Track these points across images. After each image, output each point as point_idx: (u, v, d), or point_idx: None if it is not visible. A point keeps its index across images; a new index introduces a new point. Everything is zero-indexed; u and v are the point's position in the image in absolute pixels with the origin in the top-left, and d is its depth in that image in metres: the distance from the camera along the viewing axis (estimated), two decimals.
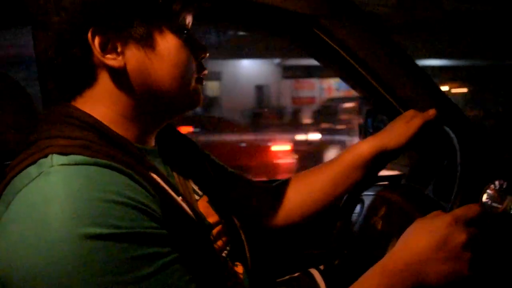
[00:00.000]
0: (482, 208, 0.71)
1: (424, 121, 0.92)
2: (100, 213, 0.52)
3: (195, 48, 0.72)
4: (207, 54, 0.75)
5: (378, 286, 0.66)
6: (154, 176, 0.65)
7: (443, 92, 1.05)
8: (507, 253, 0.89)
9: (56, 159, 0.56)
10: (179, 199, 0.66)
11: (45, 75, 0.69)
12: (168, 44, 0.67)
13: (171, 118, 0.76)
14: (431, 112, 0.93)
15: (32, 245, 0.51)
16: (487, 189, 0.91)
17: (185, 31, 0.70)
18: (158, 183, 0.64)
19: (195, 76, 0.73)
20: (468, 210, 0.69)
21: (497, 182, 0.91)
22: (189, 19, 0.71)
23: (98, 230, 0.51)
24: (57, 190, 0.53)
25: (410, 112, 0.95)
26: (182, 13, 0.69)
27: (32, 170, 0.56)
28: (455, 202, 0.80)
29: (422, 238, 0.67)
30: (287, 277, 1.01)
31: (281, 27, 1.08)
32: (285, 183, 1.01)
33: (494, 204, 0.90)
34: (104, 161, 0.58)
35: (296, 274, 1.01)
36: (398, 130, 0.92)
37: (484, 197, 0.91)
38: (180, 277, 0.58)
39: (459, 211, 0.69)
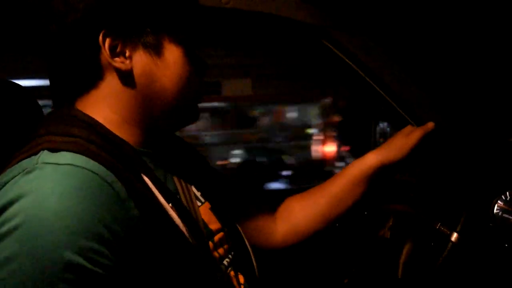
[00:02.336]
0: None
1: (423, 134, 0.94)
2: (45, 229, 0.52)
3: (198, 64, 0.74)
4: (207, 70, 0.76)
5: None
6: (146, 179, 0.65)
7: (452, 104, 1.06)
8: None
9: (43, 157, 0.58)
10: (168, 205, 0.65)
11: (55, 77, 0.69)
12: (174, 54, 0.69)
13: (169, 128, 0.77)
14: (430, 125, 0.95)
15: None
16: (498, 200, 0.92)
17: (192, 46, 0.71)
18: (147, 187, 0.64)
19: (196, 90, 0.74)
20: None
21: (507, 193, 0.92)
22: (197, 35, 0.73)
23: (35, 242, 0.52)
24: (28, 189, 0.54)
25: (409, 127, 0.98)
26: (193, 26, 0.71)
27: (23, 164, 0.58)
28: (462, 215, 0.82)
29: None
30: None
31: (289, 38, 1.08)
32: (290, 200, 1.02)
33: (505, 216, 0.90)
34: (92, 165, 0.58)
35: None
36: (399, 143, 0.94)
37: (495, 209, 0.92)
38: None
39: None
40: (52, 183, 0.55)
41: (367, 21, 1.01)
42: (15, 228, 0.52)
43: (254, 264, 0.84)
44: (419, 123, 1.01)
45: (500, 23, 0.96)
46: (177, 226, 0.65)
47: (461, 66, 1.06)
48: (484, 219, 0.91)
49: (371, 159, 0.95)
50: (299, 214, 0.99)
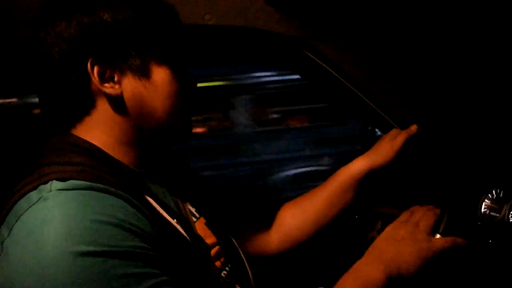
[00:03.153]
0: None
1: (407, 136, 0.95)
2: (92, 233, 0.54)
3: (187, 79, 0.75)
4: (197, 84, 0.78)
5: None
6: (149, 199, 0.67)
7: (439, 107, 1.07)
8: (506, 261, 0.90)
9: (55, 184, 0.59)
10: (173, 221, 0.68)
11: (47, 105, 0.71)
12: (161, 75, 0.70)
13: (165, 145, 0.79)
14: (413, 128, 0.97)
15: (30, 265, 0.53)
16: (484, 198, 0.92)
17: (178, 63, 0.73)
18: (153, 206, 0.66)
19: (188, 105, 0.75)
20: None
21: (493, 191, 0.92)
22: (181, 51, 0.74)
23: (88, 248, 0.53)
24: (54, 213, 0.55)
25: (394, 131, 0.99)
26: (176, 45, 0.72)
27: (33, 195, 0.58)
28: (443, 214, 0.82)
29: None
30: None
31: (270, 50, 1.11)
32: (282, 208, 1.03)
33: (492, 213, 0.90)
34: (99, 185, 0.60)
35: None
36: (384, 148, 0.95)
37: (483, 207, 0.92)
38: None
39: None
40: (75, 206, 0.56)
41: (345, 29, 1.03)
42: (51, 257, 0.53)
43: (250, 275, 0.85)
44: (403, 126, 1.02)
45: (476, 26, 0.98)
46: (186, 238, 0.68)
47: (441, 67, 1.07)
48: (472, 218, 0.91)
49: (359, 165, 0.96)
50: (291, 222, 1.01)
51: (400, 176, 1.06)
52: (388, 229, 0.80)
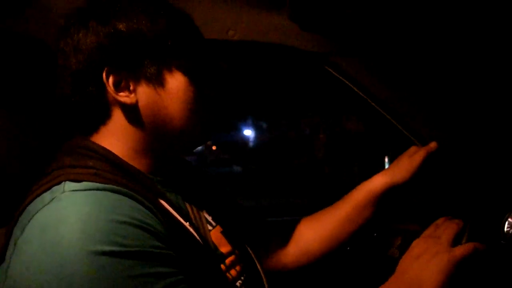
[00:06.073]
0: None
1: (426, 154, 0.94)
2: (108, 232, 0.54)
3: (204, 85, 0.74)
4: (217, 91, 0.78)
5: None
6: (163, 202, 0.67)
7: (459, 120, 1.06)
8: None
9: (68, 185, 0.59)
10: (186, 224, 0.68)
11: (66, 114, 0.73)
12: (176, 82, 0.70)
13: (181, 152, 0.79)
14: (432, 144, 0.96)
15: (44, 263, 0.53)
16: (508, 217, 0.90)
17: (194, 70, 0.72)
18: (167, 210, 0.67)
19: (206, 111, 0.75)
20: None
21: None
22: (198, 59, 0.74)
23: (105, 248, 0.53)
24: (68, 212, 0.55)
25: (413, 148, 0.98)
26: (191, 53, 0.73)
27: (46, 196, 0.59)
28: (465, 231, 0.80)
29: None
30: None
31: (290, 66, 1.12)
32: (298, 223, 1.03)
33: None
34: (113, 187, 0.61)
35: None
36: (403, 165, 0.94)
37: (506, 226, 0.90)
38: None
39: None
40: (90, 206, 0.57)
41: (366, 45, 1.04)
42: (66, 252, 0.53)
43: (266, 285, 0.85)
44: (424, 143, 1.01)
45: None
46: (198, 241, 0.68)
47: (462, 80, 1.06)
48: (495, 237, 0.89)
49: (378, 181, 0.96)
50: (309, 237, 1.00)
51: (420, 192, 1.05)
52: (412, 245, 0.78)
